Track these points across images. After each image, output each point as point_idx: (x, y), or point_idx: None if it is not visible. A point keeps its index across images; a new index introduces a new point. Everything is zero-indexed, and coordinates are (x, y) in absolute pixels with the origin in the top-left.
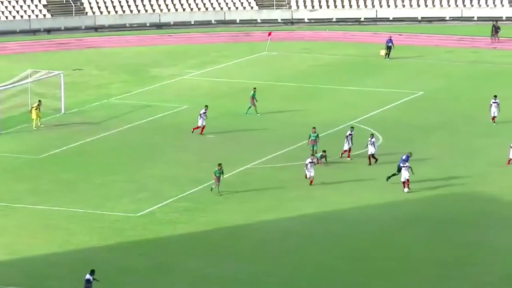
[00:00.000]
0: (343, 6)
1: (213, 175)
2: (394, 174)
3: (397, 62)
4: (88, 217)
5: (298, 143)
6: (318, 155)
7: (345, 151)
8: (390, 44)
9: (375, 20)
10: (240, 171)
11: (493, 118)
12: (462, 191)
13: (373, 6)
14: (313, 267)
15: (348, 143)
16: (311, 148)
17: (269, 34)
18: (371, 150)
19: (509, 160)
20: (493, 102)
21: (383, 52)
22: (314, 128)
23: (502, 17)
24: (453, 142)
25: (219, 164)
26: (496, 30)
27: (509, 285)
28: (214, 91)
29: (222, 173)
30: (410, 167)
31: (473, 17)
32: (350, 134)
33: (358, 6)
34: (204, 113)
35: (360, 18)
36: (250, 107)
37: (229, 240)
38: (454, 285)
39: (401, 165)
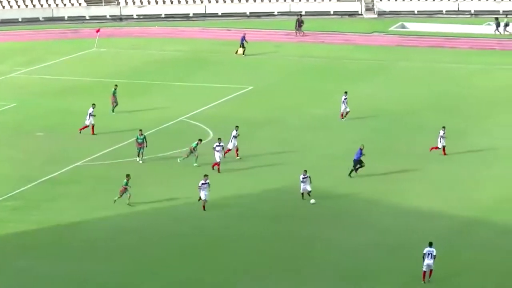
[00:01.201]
0: (171, 2)
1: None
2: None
3: (227, 57)
4: None
5: (127, 141)
6: (194, 144)
7: (229, 150)
8: (244, 41)
9: (204, 15)
10: (70, 168)
11: (343, 114)
12: (294, 186)
13: (202, 2)
14: (146, 263)
15: (233, 142)
16: (138, 151)
17: (98, 30)
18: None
19: (437, 148)
20: (344, 99)
21: (240, 50)
22: (140, 130)
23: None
24: (283, 136)
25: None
26: (300, 23)
27: (344, 279)
28: (43, 88)
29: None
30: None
31: (301, 11)
32: (233, 136)
33: (186, 2)
34: (91, 112)
35: (189, 14)
36: (117, 105)
37: (60, 238)
38: (290, 278)
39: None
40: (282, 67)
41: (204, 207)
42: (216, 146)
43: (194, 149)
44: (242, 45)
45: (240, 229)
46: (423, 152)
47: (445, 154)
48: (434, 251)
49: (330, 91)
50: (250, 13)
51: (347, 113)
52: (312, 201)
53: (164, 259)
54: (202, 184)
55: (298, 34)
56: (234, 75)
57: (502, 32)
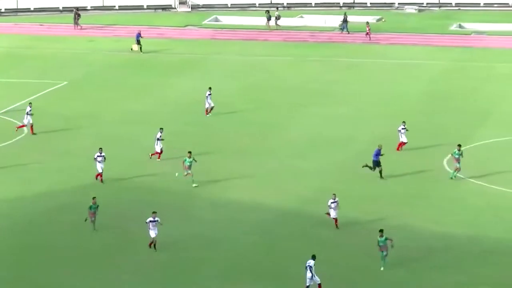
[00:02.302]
0: None
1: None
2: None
3: (41, 52)
4: None
5: None
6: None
7: (157, 152)
8: (139, 38)
9: (16, 11)
10: None
11: (207, 110)
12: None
13: None
14: None
15: (158, 144)
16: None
17: None
18: None
19: (401, 144)
20: (208, 94)
21: (135, 47)
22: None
23: (86, 6)
24: (99, 131)
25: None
26: (77, 16)
27: (163, 271)
28: None
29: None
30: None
31: (114, 6)
32: (158, 138)
33: None
34: (28, 111)
35: (1, 9)
36: None
37: None
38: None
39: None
40: (96, 62)
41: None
42: (98, 156)
43: (189, 167)
44: (138, 42)
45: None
46: (241, 145)
47: (400, 148)
48: (311, 262)
49: (147, 85)
50: (63, 7)
51: (211, 108)
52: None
53: None
54: (151, 221)
55: (76, 27)
56: (48, 71)
57: (274, 24)
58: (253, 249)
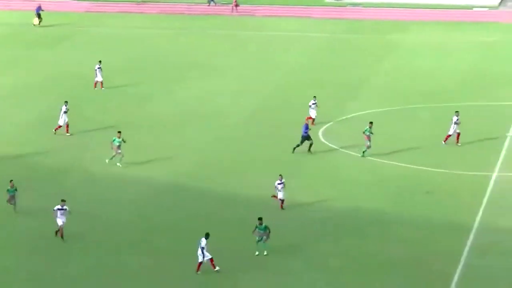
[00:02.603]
0: None
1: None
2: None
3: None
4: None
5: None
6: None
7: (60, 126)
8: (40, 11)
9: None
10: None
11: (96, 83)
12: None
13: None
14: None
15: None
16: None
17: None
18: None
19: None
20: (98, 67)
21: (36, 20)
22: None
23: None
24: None
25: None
26: None
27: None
28: None
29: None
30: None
31: None
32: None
33: None
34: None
35: None
36: None
37: None
38: None
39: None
40: None
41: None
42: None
43: (118, 147)
44: (38, 15)
45: None
46: (118, 119)
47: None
48: (202, 241)
49: (16, 57)
50: None
51: (101, 82)
52: None
53: None
54: (58, 209)
55: None
56: None
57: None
58: (129, 225)
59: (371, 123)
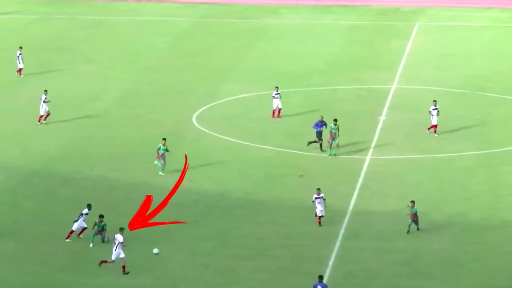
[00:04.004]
0: None
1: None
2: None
3: None
4: None
5: None
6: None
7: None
8: None
9: None
10: None
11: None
12: None
13: None
14: None
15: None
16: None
17: None
18: None
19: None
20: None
21: None
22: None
23: None
24: None
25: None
26: None
27: None
28: None
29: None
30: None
31: None
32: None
33: None
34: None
35: None
36: None
37: None
38: None
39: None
40: None
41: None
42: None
43: (162, 154)
44: None
45: None
46: None
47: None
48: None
49: None
50: None
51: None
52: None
53: None
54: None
55: None
56: None
57: None
58: None
59: (335, 120)
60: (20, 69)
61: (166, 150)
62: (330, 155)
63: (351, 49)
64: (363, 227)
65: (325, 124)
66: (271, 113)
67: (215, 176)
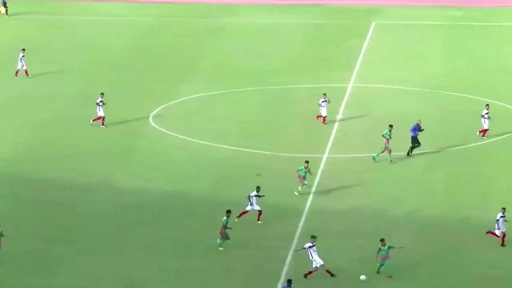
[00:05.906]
0: None
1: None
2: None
3: None
4: None
5: None
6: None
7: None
8: (5, 1)
9: None
10: None
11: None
12: None
13: None
14: None
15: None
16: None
17: None
18: None
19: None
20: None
21: (3, 9)
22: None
23: None
24: None
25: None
26: None
27: None
28: None
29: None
30: None
31: None
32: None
33: None
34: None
35: None
36: None
37: None
38: None
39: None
40: None
41: None
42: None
43: (304, 177)
44: (4, 5)
45: None
46: None
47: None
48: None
49: None
50: None
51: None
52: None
53: None
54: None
55: None
56: None
57: None
58: None
59: (390, 126)
60: (25, 71)
61: (309, 172)
62: (375, 158)
63: (309, 48)
64: (321, 226)
65: (421, 129)
66: (322, 120)
67: (171, 176)
